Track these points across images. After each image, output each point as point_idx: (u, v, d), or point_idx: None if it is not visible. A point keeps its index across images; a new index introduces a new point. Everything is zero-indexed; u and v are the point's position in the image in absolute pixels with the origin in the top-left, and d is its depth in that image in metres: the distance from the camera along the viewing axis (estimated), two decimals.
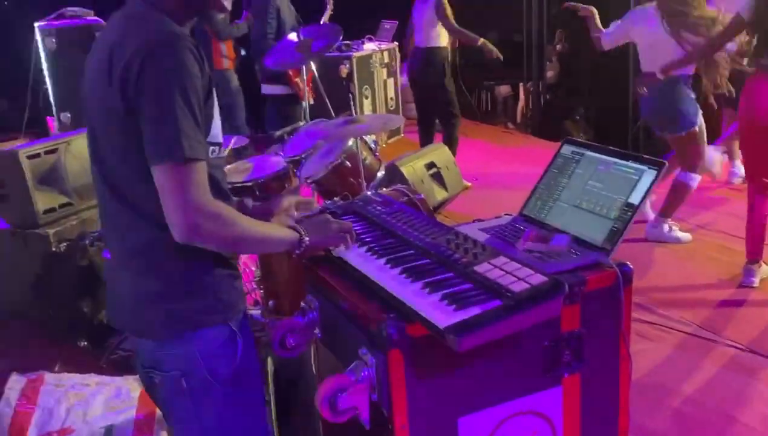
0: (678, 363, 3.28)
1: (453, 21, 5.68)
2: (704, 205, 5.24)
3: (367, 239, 1.90)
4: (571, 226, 1.92)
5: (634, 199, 1.83)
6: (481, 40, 5.75)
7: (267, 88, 5.39)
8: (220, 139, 1.66)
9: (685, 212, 4.97)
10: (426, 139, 6.10)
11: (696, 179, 4.56)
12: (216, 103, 1.61)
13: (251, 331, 1.78)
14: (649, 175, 1.84)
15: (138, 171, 1.53)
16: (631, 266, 1.76)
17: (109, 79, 1.50)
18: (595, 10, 4.89)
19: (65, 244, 3.80)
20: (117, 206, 1.60)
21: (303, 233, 1.70)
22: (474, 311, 1.45)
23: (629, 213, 1.82)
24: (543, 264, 1.71)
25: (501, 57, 5.78)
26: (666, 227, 4.63)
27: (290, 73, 5.03)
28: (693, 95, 4.40)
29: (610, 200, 1.87)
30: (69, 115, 5.31)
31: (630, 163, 1.89)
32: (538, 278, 1.51)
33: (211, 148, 1.61)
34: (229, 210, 1.56)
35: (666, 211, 4.62)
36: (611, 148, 1.98)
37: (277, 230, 1.70)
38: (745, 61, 4.02)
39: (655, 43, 4.34)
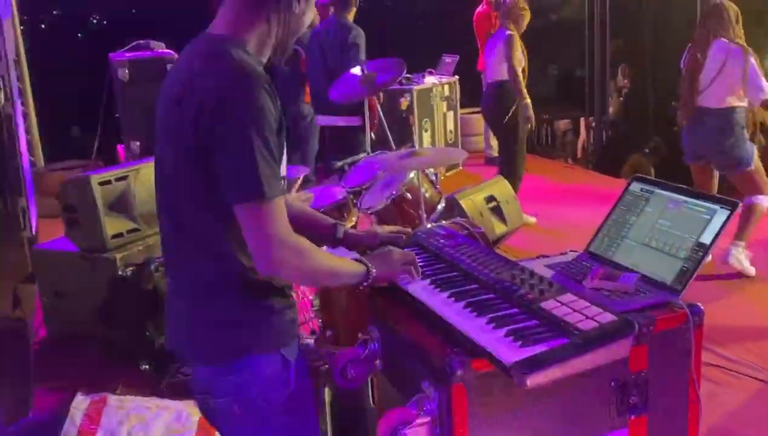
0: (747, 410, 3.15)
1: (516, 64, 5.64)
2: None
3: (430, 272, 1.90)
4: (639, 264, 1.88)
5: (706, 239, 1.79)
6: (526, 101, 5.68)
7: (326, 120, 5.48)
8: (285, 172, 1.69)
9: (754, 252, 4.83)
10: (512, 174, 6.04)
11: (766, 200, 4.53)
12: (284, 141, 1.64)
13: (305, 359, 1.79)
14: (721, 215, 1.79)
15: (201, 203, 1.57)
16: (702, 307, 1.71)
17: (182, 115, 1.53)
18: None
19: (131, 268, 3.90)
20: (177, 236, 1.65)
21: (369, 266, 1.73)
22: (540, 348, 1.43)
23: (700, 253, 1.78)
24: (611, 303, 1.67)
25: (532, 126, 5.84)
26: (735, 251, 4.52)
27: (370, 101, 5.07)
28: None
29: (681, 239, 1.83)
30: (138, 143, 5.49)
31: (702, 203, 1.84)
32: (607, 317, 1.48)
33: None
34: (308, 244, 1.60)
35: (739, 235, 4.52)
36: (682, 186, 1.94)
37: (347, 264, 1.73)
38: None
39: None
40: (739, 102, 4.46)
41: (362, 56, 5.20)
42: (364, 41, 5.36)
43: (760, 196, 4.53)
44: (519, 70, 5.63)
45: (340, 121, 5.38)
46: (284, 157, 1.67)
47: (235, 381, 1.65)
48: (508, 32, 5.68)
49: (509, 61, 5.62)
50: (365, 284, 1.73)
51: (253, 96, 1.49)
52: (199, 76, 1.53)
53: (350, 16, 5.43)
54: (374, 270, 1.73)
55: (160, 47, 5.56)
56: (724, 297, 4.28)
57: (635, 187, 2.04)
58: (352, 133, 5.37)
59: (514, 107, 5.75)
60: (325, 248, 3.03)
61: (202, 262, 1.62)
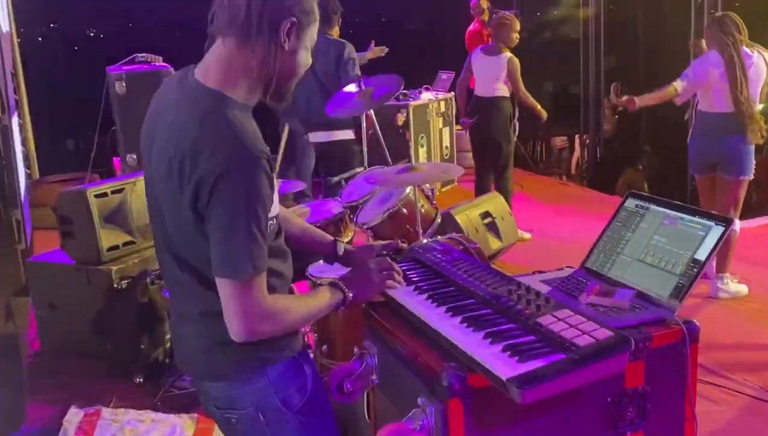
0: (743, 428, 3.15)
1: (522, 85, 5.77)
2: (767, 264, 5.09)
3: (427, 287, 1.90)
4: (634, 280, 1.89)
5: (701, 255, 1.80)
6: (538, 107, 5.88)
7: (321, 135, 5.50)
8: (277, 211, 1.67)
9: (750, 271, 4.85)
10: (483, 189, 6.08)
11: (738, 224, 4.63)
12: (276, 189, 1.64)
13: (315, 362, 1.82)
14: (716, 232, 1.81)
15: (199, 246, 1.57)
16: (698, 324, 1.72)
17: (180, 184, 1.53)
18: (635, 99, 4.85)
19: (126, 281, 3.89)
20: (184, 276, 1.65)
21: (346, 290, 1.75)
22: (537, 363, 1.44)
23: (695, 269, 1.79)
24: (607, 319, 1.68)
25: (544, 117, 5.97)
26: (721, 284, 4.56)
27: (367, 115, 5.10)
28: None
29: (676, 256, 1.84)
30: (134, 156, 5.49)
31: (697, 219, 1.86)
32: (604, 333, 1.49)
33: (270, 222, 1.61)
34: (281, 304, 1.62)
35: (720, 267, 4.56)
36: (677, 202, 1.96)
37: (321, 301, 1.73)
38: None
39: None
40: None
41: (358, 70, 5.24)
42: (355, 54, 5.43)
43: (735, 221, 4.55)
44: (525, 91, 5.82)
45: (335, 136, 5.40)
46: (276, 200, 1.65)
47: (255, 392, 1.68)
48: (507, 55, 5.75)
49: (517, 84, 5.75)
50: (343, 307, 1.76)
51: (253, 179, 1.51)
52: (201, 146, 1.49)
53: (335, 33, 5.45)
54: (351, 294, 1.75)
55: (157, 60, 5.57)
56: (721, 314, 4.29)
57: (630, 203, 2.05)
58: (348, 146, 5.40)
59: (512, 123, 5.84)
60: (321, 262, 3.05)
61: (206, 295, 1.62)
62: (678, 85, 4.64)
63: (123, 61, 5.61)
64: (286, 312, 1.62)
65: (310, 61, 1.67)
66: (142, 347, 3.81)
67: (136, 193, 4.09)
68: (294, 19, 1.57)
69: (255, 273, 1.53)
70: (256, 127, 1.60)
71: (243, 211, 1.51)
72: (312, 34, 1.64)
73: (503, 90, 5.82)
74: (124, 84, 5.41)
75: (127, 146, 5.56)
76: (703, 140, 4.69)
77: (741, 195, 4.64)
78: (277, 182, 1.73)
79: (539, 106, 5.89)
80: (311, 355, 3.24)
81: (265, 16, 1.54)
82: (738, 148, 4.52)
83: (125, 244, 4.04)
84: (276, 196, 1.65)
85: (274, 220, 1.67)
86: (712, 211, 1.89)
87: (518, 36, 5.87)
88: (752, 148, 4.55)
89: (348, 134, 5.37)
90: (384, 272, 1.81)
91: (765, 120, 4.54)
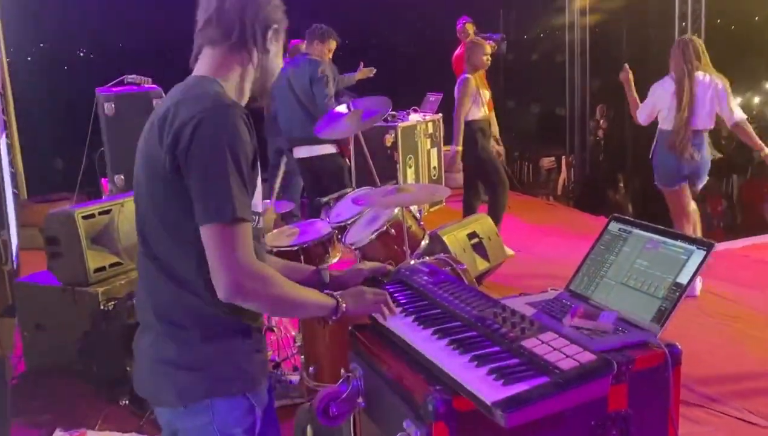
0: None
1: (464, 109, 5.79)
2: (755, 286, 5.13)
3: (413, 309, 1.92)
4: (618, 303, 1.92)
5: (683, 279, 1.83)
6: (459, 148, 5.84)
7: (302, 151, 5.58)
8: (260, 209, 1.71)
9: (736, 294, 4.89)
10: (469, 210, 6.13)
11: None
12: (259, 173, 1.67)
13: (273, 401, 1.77)
14: (698, 256, 1.84)
15: (174, 232, 1.59)
16: (680, 347, 1.75)
17: (161, 140, 1.57)
18: (630, 76, 5.15)
19: (113, 302, 3.88)
20: (149, 265, 1.65)
21: (340, 300, 1.74)
22: (522, 386, 1.45)
23: (677, 293, 1.82)
24: (590, 342, 1.70)
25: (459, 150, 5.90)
26: None
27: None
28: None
29: (658, 279, 1.87)
30: (122, 177, 5.48)
31: (679, 243, 1.89)
32: (587, 356, 1.51)
33: (253, 215, 1.63)
34: (272, 272, 1.61)
35: None
36: (659, 227, 1.99)
37: (315, 296, 1.73)
38: None
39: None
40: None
41: (331, 88, 5.35)
42: (333, 74, 5.52)
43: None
44: (461, 116, 5.81)
45: (319, 150, 5.50)
46: (259, 192, 1.69)
47: (198, 426, 1.63)
48: (463, 76, 5.87)
49: (456, 104, 5.80)
50: (335, 317, 1.74)
51: (231, 121, 1.55)
52: (181, 105, 1.59)
53: (320, 54, 5.59)
54: (344, 305, 1.74)
55: (146, 82, 5.59)
56: (706, 335, 4.32)
57: (613, 226, 2.08)
58: (332, 159, 5.50)
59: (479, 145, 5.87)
60: None
61: (171, 293, 1.62)
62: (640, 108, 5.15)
63: (112, 83, 5.62)
64: (275, 281, 1.59)
65: (282, 62, 1.83)
66: (128, 369, 3.78)
67: (123, 214, 4.09)
68: (276, 26, 1.74)
69: (240, 218, 1.52)
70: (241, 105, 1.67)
71: (223, 154, 1.51)
72: (282, 38, 1.80)
73: (473, 112, 5.88)
74: (112, 105, 5.42)
75: (115, 167, 5.55)
76: (671, 156, 4.96)
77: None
78: (266, 201, 1.75)
79: (461, 138, 5.83)
80: (293, 380, 3.24)
81: (257, 27, 1.70)
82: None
83: (112, 265, 4.03)
84: (259, 190, 1.68)
85: (257, 217, 1.69)
86: (695, 236, 1.92)
87: (489, 58, 5.96)
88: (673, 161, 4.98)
89: (330, 148, 5.48)
90: (378, 297, 1.82)
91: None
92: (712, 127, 4.98)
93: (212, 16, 1.69)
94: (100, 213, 4.03)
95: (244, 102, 1.74)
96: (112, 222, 4.06)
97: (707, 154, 4.98)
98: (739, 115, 4.86)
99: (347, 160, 5.66)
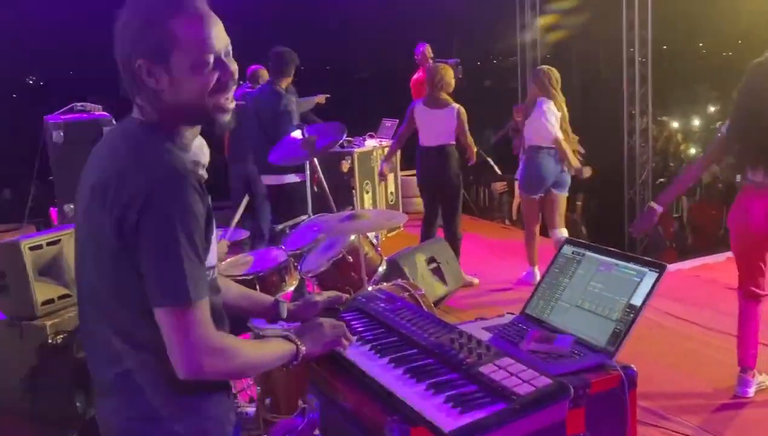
0: None
1: (469, 134, 5.88)
2: (707, 305, 5.23)
3: (370, 337, 1.90)
4: (573, 326, 1.92)
5: (636, 300, 1.84)
6: (474, 150, 5.99)
7: (269, 179, 5.55)
8: (214, 262, 1.64)
9: (689, 313, 4.97)
10: (428, 234, 6.12)
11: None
12: (214, 230, 1.60)
13: None
14: (650, 278, 1.85)
15: (125, 301, 1.50)
16: (636, 369, 1.75)
17: (106, 212, 1.46)
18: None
19: (62, 336, 3.76)
20: (100, 328, 1.56)
21: (299, 344, 1.70)
22: (479, 414, 1.44)
23: (632, 315, 1.83)
24: (547, 366, 1.70)
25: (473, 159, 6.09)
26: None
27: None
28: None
29: (612, 302, 1.88)
30: (72, 206, 5.36)
31: (631, 265, 1.91)
32: (544, 381, 1.50)
33: (206, 272, 1.56)
34: (230, 341, 1.54)
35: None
36: (611, 249, 2.01)
37: (274, 349, 1.68)
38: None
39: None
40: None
41: (295, 121, 5.35)
42: (295, 106, 5.54)
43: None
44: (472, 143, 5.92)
45: (286, 179, 5.47)
46: (214, 248, 1.61)
47: None
48: (455, 107, 5.81)
49: (465, 133, 5.84)
50: (296, 362, 1.70)
51: (182, 196, 1.44)
52: (124, 171, 1.46)
53: (284, 84, 5.61)
54: (303, 348, 1.70)
55: (96, 109, 5.49)
56: (661, 356, 4.38)
57: (567, 249, 2.10)
58: (297, 188, 5.47)
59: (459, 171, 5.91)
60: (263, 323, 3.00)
61: (131, 359, 1.53)
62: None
63: (61, 110, 5.51)
64: (236, 351, 1.53)
65: (209, 77, 1.52)
66: (78, 404, 3.66)
67: (72, 244, 3.98)
68: (142, 60, 1.49)
69: (196, 297, 1.45)
70: (187, 159, 1.54)
71: (175, 231, 1.42)
72: (181, 55, 1.49)
73: (451, 137, 5.89)
74: (61, 133, 5.30)
75: (64, 196, 5.43)
76: (540, 167, 5.66)
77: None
78: (217, 231, 1.70)
79: (474, 149, 6.00)
80: (249, 412, 3.18)
81: (126, 72, 1.53)
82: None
83: (61, 297, 3.91)
84: (214, 244, 1.61)
85: (212, 271, 1.62)
86: (645, 257, 1.94)
87: (453, 83, 5.99)
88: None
89: (296, 177, 5.46)
90: (336, 329, 1.79)
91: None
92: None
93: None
94: (48, 244, 3.91)
95: (189, 147, 1.60)
96: (60, 253, 3.95)
97: (555, 166, 5.68)
98: (555, 133, 5.58)
99: (315, 188, 5.57)
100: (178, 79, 1.51)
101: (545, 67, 5.86)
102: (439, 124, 5.83)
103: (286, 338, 1.71)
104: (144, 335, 1.50)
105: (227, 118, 1.59)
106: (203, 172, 3.03)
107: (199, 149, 3.02)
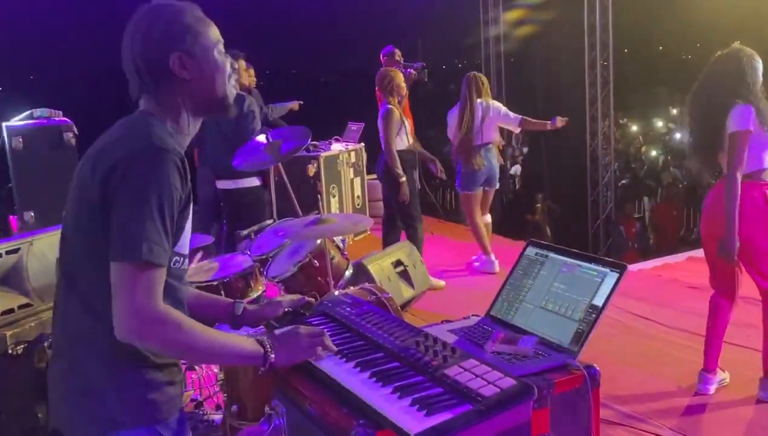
0: None
1: (391, 138, 5.71)
2: (668, 304, 5.33)
3: (337, 342, 1.89)
4: (537, 327, 1.94)
5: (598, 301, 1.87)
6: (402, 180, 5.74)
7: (227, 184, 5.51)
8: (186, 251, 1.67)
9: (651, 312, 5.05)
10: (390, 238, 6.11)
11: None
12: (190, 215, 1.65)
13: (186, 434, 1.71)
14: (611, 278, 1.88)
15: (96, 263, 1.55)
16: (598, 368, 1.78)
17: (93, 172, 1.56)
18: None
19: (23, 346, 3.68)
20: (66, 293, 1.63)
21: (269, 349, 1.67)
22: (445, 416, 1.45)
23: (594, 315, 1.86)
24: (511, 367, 1.71)
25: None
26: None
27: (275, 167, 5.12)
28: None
29: (575, 302, 1.91)
30: (32, 214, 5.26)
31: (593, 266, 1.94)
32: (508, 382, 1.52)
33: (176, 258, 1.63)
34: (176, 315, 1.55)
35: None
36: (574, 250, 2.04)
37: (238, 343, 1.66)
38: None
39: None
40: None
41: (258, 123, 5.31)
42: (258, 107, 5.49)
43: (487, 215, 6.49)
44: (392, 146, 5.71)
45: (242, 183, 5.42)
46: (187, 233, 1.65)
47: None
48: (388, 106, 5.76)
49: (384, 136, 5.71)
50: (263, 368, 1.68)
51: (162, 167, 1.53)
52: (117, 143, 1.59)
53: (245, 83, 5.54)
54: (273, 355, 1.67)
55: (57, 115, 5.40)
56: (626, 355, 4.44)
57: (530, 251, 2.12)
58: (255, 192, 5.44)
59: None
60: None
61: (84, 321, 1.59)
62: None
63: (21, 116, 5.41)
64: (179, 326, 1.54)
65: (225, 63, 1.74)
66: (40, 415, 3.59)
67: (32, 253, 3.90)
68: (177, 53, 1.66)
69: (150, 259, 1.49)
70: (177, 145, 1.63)
71: (147, 197, 1.50)
72: (205, 45, 1.70)
73: (396, 143, 5.78)
74: (21, 139, 5.21)
75: (25, 204, 5.32)
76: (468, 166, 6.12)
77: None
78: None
79: (399, 169, 5.72)
80: (215, 419, 3.14)
81: (152, 70, 1.66)
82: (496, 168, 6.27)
83: (21, 306, 3.83)
84: (188, 229, 1.65)
85: (182, 259, 1.65)
86: (607, 258, 1.97)
87: (404, 85, 5.95)
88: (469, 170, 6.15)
89: (254, 181, 5.41)
90: (314, 339, 1.76)
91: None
92: (497, 140, 6.30)
93: (127, 72, 1.69)
94: (7, 252, 3.82)
95: (186, 141, 1.73)
96: (20, 261, 3.86)
97: (495, 162, 6.25)
98: (516, 115, 6.12)
99: (269, 193, 5.61)
100: (207, 69, 1.70)
101: (473, 72, 6.35)
102: (380, 129, 5.85)
103: (258, 341, 1.68)
104: (104, 304, 1.52)
105: (232, 106, 1.77)
106: None
107: None
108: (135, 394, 1.60)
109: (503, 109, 6.23)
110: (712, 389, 3.84)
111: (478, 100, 6.10)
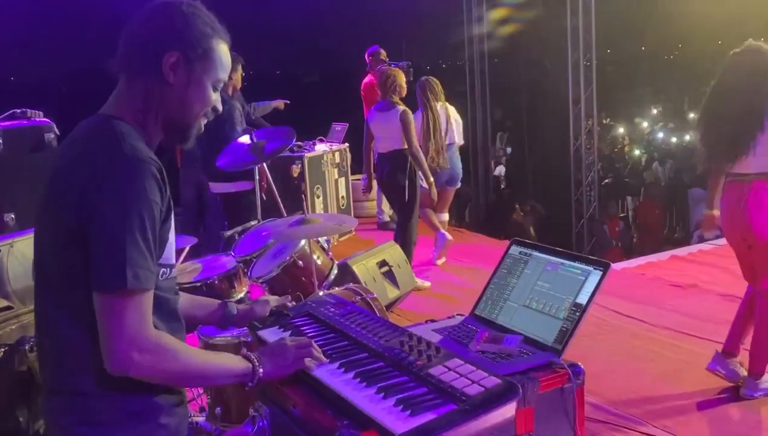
0: None
1: (415, 139, 5.78)
2: (652, 303, 5.36)
3: (321, 342, 1.88)
4: (521, 325, 1.94)
5: (582, 299, 1.87)
6: (428, 175, 5.85)
7: (217, 187, 5.47)
8: (173, 260, 1.62)
9: (635, 311, 5.08)
10: (408, 236, 6.09)
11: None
12: (173, 226, 1.58)
13: None
14: (595, 276, 1.89)
15: (82, 291, 1.46)
16: (583, 367, 1.78)
17: (67, 193, 1.45)
18: None
19: (3, 349, 3.63)
20: (50, 319, 1.52)
21: (257, 363, 1.64)
22: (429, 416, 1.44)
23: (578, 313, 1.86)
24: (496, 366, 1.71)
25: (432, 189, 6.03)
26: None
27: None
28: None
29: (559, 300, 1.91)
30: (12, 216, 5.19)
31: (576, 264, 1.94)
32: (492, 381, 1.52)
33: (162, 269, 1.56)
34: (168, 341, 1.49)
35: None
36: (558, 249, 2.04)
37: (227, 362, 1.64)
38: None
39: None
40: None
41: (238, 127, 5.29)
42: (240, 112, 5.47)
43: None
44: (418, 146, 5.80)
45: (237, 187, 5.39)
46: (172, 244, 1.59)
47: None
48: (400, 108, 5.76)
49: (409, 137, 5.72)
50: (251, 384, 1.64)
51: (139, 181, 1.44)
52: (85, 155, 1.47)
53: (229, 90, 5.50)
54: (261, 369, 1.64)
55: (37, 116, 5.33)
56: (607, 354, 4.46)
57: (514, 250, 2.12)
58: (248, 196, 5.41)
59: (407, 178, 5.85)
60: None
61: (87, 353, 1.48)
62: None
63: (1, 117, 5.35)
64: (174, 353, 1.48)
65: (210, 99, 1.62)
66: (21, 419, 3.55)
67: (13, 255, 3.87)
68: (177, 53, 1.54)
69: (136, 286, 1.41)
70: (149, 151, 1.54)
71: (125, 215, 1.41)
72: (207, 70, 1.59)
73: (402, 142, 5.82)
74: (0, 140, 5.15)
75: (5, 205, 5.25)
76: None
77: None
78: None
79: (430, 177, 5.84)
80: (199, 421, 3.12)
81: (149, 48, 1.54)
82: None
83: (2, 309, 3.79)
84: (172, 239, 1.58)
85: (169, 269, 1.58)
86: (590, 256, 1.98)
87: (405, 85, 5.94)
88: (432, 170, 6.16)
89: (246, 185, 5.38)
90: (302, 350, 1.72)
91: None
92: (461, 142, 6.56)
93: (120, 41, 1.58)
94: None
95: (153, 146, 1.59)
96: (0, 264, 3.83)
97: (458, 162, 6.51)
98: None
99: (264, 196, 5.56)
100: (195, 84, 1.58)
101: (425, 77, 6.51)
102: (389, 129, 5.82)
103: (245, 357, 1.65)
104: (90, 330, 1.45)
105: (192, 139, 1.66)
106: None
107: None
108: (151, 418, 1.54)
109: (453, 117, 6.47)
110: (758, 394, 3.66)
111: (437, 104, 6.28)
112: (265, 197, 5.21)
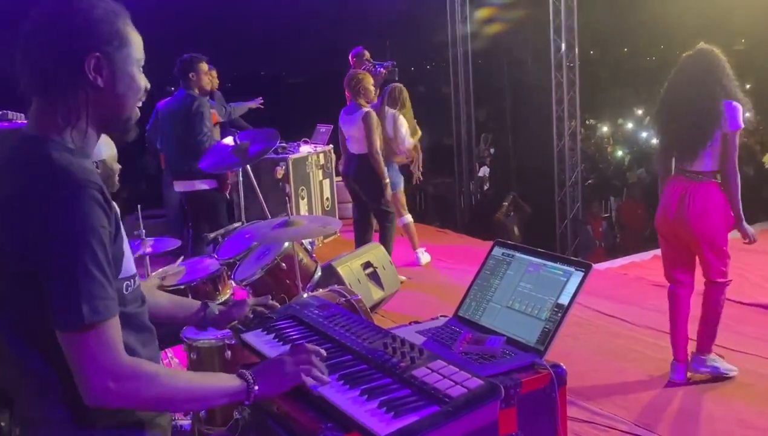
0: None
1: (377, 141, 5.76)
2: (634, 303, 5.40)
3: None
4: (504, 327, 1.96)
5: (564, 300, 1.89)
6: (386, 181, 5.84)
7: (183, 185, 5.48)
8: (133, 270, 1.55)
9: (617, 310, 5.11)
10: (362, 240, 6.13)
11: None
12: (125, 238, 1.52)
13: None
14: (576, 277, 1.90)
15: (39, 334, 1.40)
16: (565, 367, 1.80)
17: (7, 242, 1.38)
18: None
19: None
20: (31, 368, 1.45)
21: (251, 381, 1.56)
22: (412, 417, 1.45)
23: (560, 314, 1.88)
24: (479, 367, 1.72)
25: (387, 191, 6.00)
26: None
27: None
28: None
29: (541, 301, 1.92)
30: None
31: (558, 265, 1.95)
32: (475, 382, 1.52)
33: (126, 283, 1.50)
34: (146, 367, 1.44)
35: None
36: (540, 250, 2.05)
37: (217, 382, 1.57)
38: None
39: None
40: None
41: (208, 123, 5.32)
42: (209, 109, 5.49)
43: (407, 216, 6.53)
44: (379, 150, 5.77)
45: (197, 185, 5.40)
46: (129, 256, 1.53)
47: None
48: (363, 110, 5.76)
49: (369, 140, 5.72)
50: (247, 402, 1.58)
51: (80, 210, 1.36)
52: (23, 192, 1.38)
53: (197, 89, 5.48)
54: (257, 387, 1.55)
55: (19, 118, 5.30)
56: (589, 354, 4.49)
57: (497, 251, 2.13)
58: (210, 195, 5.42)
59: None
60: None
61: (45, 388, 1.44)
62: None
63: None
64: (156, 376, 1.42)
65: (141, 84, 1.54)
66: (2, 424, 3.52)
67: None
68: (98, 54, 1.45)
69: (95, 318, 1.34)
70: (88, 165, 1.46)
71: (72, 249, 1.34)
72: (129, 55, 1.51)
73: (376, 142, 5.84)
74: None
75: None
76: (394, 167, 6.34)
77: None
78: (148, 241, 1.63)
79: (386, 178, 5.82)
80: (184, 424, 3.11)
81: (64, 61, 1.44)
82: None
83: None
84: (128, 251, 1.52)
85: (132, 281, 1.53)
86: (573, 257, 1.99)
87: (372, 88, 5.95)
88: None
89: (203, 184, 5.39)
90: (301, 366, 1.62)
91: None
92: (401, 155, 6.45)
93: (21, 66, 1.47)
94: None
95: (92, 154, 1.52)
96: None
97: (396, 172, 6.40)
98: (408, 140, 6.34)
99: (227, 196, 5.60)
100: (123, 82, 1.50)
101: (392, 84, 6.54)
102: (357, 131, 5.84)
103: (240, 375, 1.58)
104: (61, 364, 1.40)
105: (134, 129, 1.60)
106: (114, 166, 2.91)
107: (105, 143, 2.83)
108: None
109: (405, 127, 6.36)
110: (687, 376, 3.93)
111: (391, 111, 6.25)
112: (229, 197, 5.25)
